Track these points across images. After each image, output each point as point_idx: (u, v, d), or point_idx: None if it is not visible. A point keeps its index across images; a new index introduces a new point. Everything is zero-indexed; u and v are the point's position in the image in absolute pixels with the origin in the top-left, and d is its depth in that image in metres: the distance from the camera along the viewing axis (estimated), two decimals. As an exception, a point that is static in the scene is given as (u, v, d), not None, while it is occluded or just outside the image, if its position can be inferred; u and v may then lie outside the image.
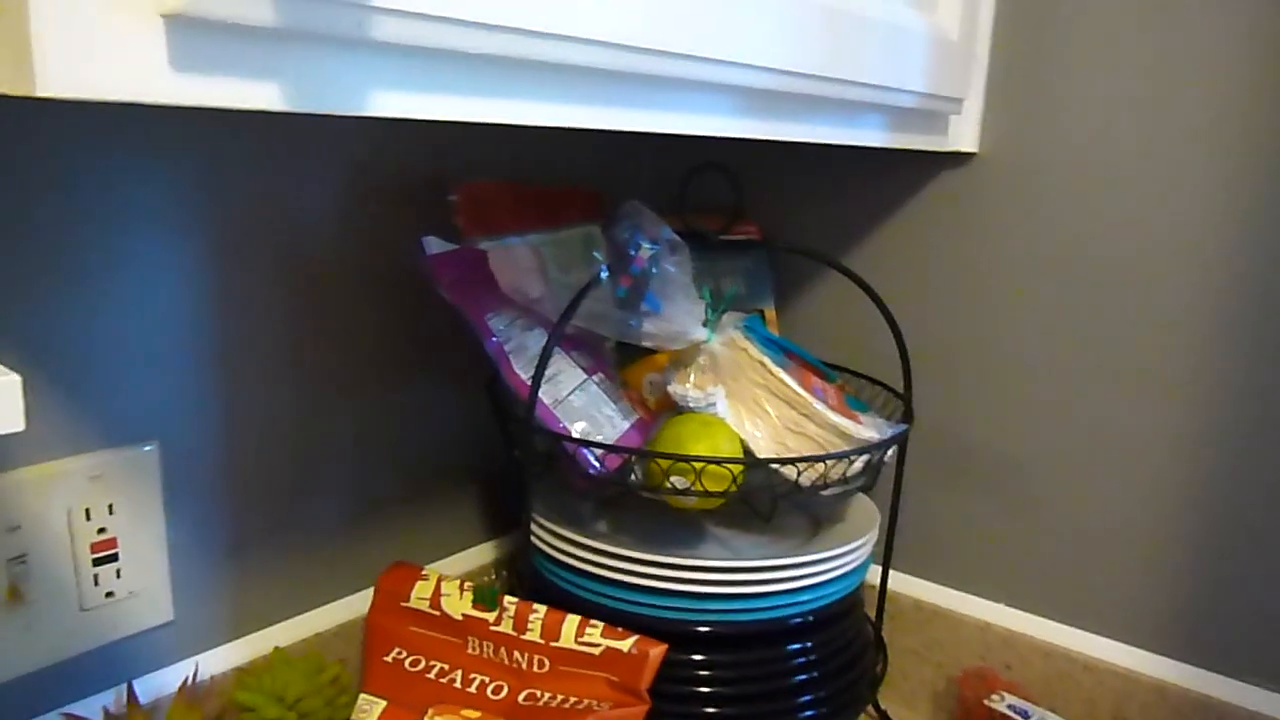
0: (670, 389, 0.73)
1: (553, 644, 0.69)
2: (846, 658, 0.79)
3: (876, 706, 0.91)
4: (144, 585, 0.69)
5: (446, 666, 0.71)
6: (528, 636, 0.70)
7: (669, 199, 0.74)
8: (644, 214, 0.71)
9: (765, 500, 0.70)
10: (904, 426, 0.76)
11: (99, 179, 0.63)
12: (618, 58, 0.47)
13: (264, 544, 0.77)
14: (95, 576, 0.67)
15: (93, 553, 0.66)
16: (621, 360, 0.86)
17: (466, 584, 0.73)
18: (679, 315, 0.70)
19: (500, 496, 0.97)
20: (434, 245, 0.71)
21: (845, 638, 0.79)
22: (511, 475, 0.95)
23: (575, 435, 0.70)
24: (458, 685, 0.70)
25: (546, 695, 0.68)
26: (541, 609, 0.70)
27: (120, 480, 0.67)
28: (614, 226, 0.73)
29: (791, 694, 0.75)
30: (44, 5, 0.29)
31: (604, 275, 0.69)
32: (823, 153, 0.95)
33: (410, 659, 0.72)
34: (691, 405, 0.72)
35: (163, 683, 0.71)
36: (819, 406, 0.71)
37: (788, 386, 0.71)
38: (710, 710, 0.73)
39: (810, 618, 0.75)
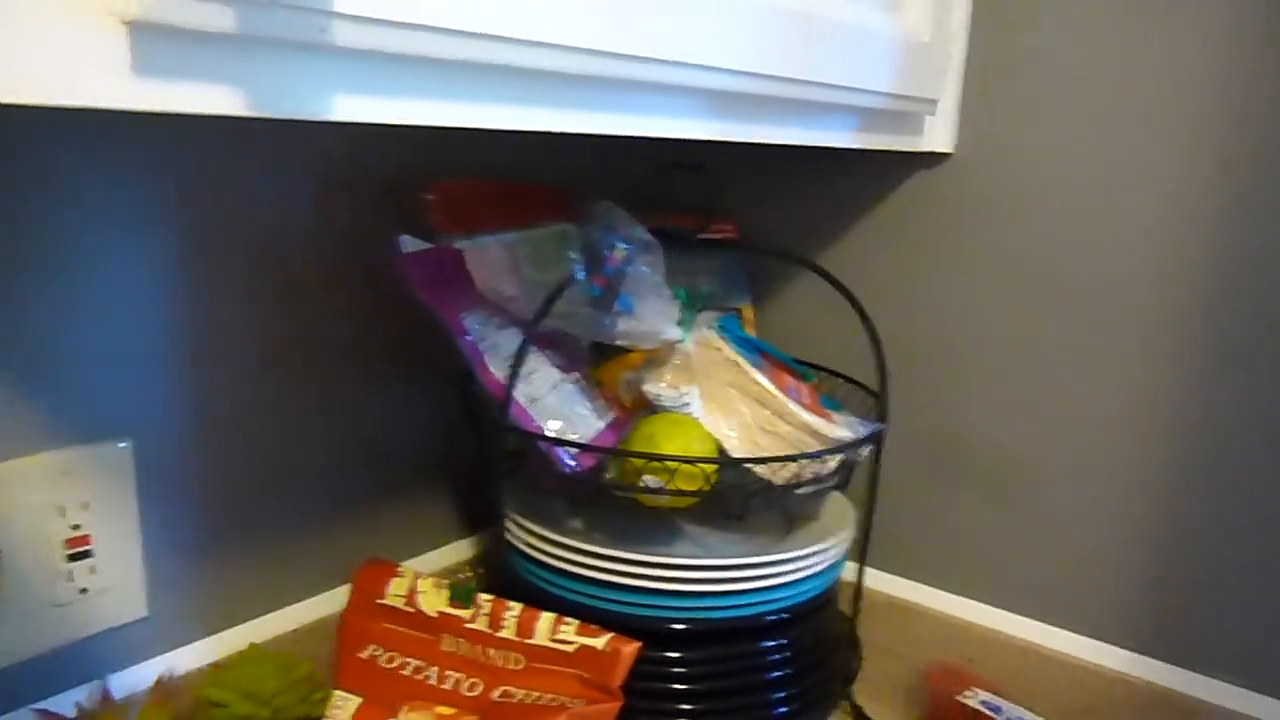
0: (644, 388, 0.73)
1: (527, 641, 0.70)
2: (820, 654, 0.79)
3: (852, 702, 0.92)
4: (118, 581, 0.70)
5: (421, 664, 0.71)
6: (502, 634, 0.70)
7: (643, 198, 0.75)
8: (617, 214, 0.71)
9: (738, 499, 0.71)
10: (877, 426, 0.77)
11: (72, 177, 0.63)
12: (579, 61, 0.47)
13: (238, 540, 0.78)
14: (69, 572, 0.67)
15: (66, 549, 0.66)
16: (597, 359, 0.86)
17: (442, 581, 0.73)
18: (652, 315, 0.70)
19: (475, 493, 0.98)
20: (408, 244, 0.71)
21: (819, 634, 0.80)
22: (484, 473, 0.96)
23: (550, 434, 0.71)
24: (432, 682, 0.70)
25: (521, 692, 0.69)
26: (516, 607, 0.71)
27: (94, 476, 0.67)
28: (588, 226, 0.73)
29: (766, 689, 0.76)
30: (3, 12, 0.29)
31: (579, 275, 0.69)
32: (798, 152, 0.95)
33: (385, 656, 0.72)
34: (666, 404, 0.72)
35: (137, 678, 0.71)
36: (792, 406, 0.72)
37: (761, 386, 0.72)
38: (685, 707, 0.74)
39: (784, 615, 0.76)
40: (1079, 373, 0.82)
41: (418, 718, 0.67)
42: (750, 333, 0.92)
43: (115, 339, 0.67)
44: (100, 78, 0.32)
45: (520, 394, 0.71)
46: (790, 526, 0.82)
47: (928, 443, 0.91)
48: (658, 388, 0.73)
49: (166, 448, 0.71)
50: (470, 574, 0.96)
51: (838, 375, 0.91)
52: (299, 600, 0.83)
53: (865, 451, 0.75)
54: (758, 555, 0.72)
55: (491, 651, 0.70)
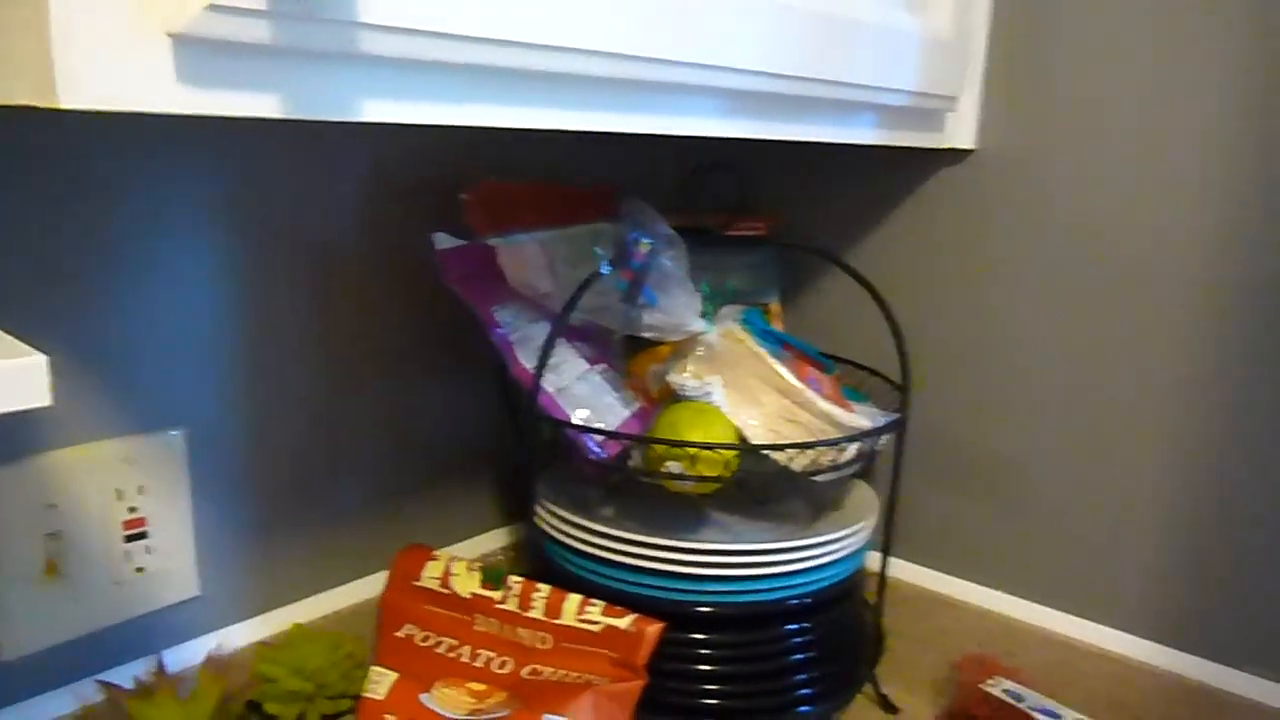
0: (669, 378, 0.76)
1: (555, 622, 0.72)
2: (843, 640, 0.81)
3: (878, 691, 0.93)
4: (172, 562, 0.74)
5: (455, 642, 0.75)
6: (531, 614, 0.73)
7: (678, 198, 0.77)
8: (643, 210, 0.74)
9: (758, 485, 0.73)
10: (895, 415, 0.78)
11: (135, 181, 0.67)
12: (607, 65, 0.50)
13: (285, 526, 0.81)
14: (126, 553, 0.71)
15: (124, 530, 0.71)
16: (628, 353, 0.89)
17: (475, 565, 0.76)
18: (675, 307, 0.72)
19: (513, 485, 1.01)
20: (443, 241, 0.74)
21: (843, 621, 0.82)
22: (520, 463, 0.99)
23: (576, 422, 0.73)
24: (465, 660, 0.73)
25: (548, 670, 0.71)
26: (545, 588, 0.73)
27: (150, 463, 0.71)
28: (616, 222, 0.76)
29: (789, 673, 0.78)
30: (64, 27, 0.33)
31: (605, 270, 0.72)
32: (826, 151, 0.97)
33: (421, 635, 0.75)
34: (689, 394, 0.75)
35: (190, 654, 0.75)
36: (811, 395, 0.74)
37: (782, 377, 0.74)
38: (710, 688, 0.76)
39: (808, 600, 0.78)
40: (1105, 364, 0.83)
41: (450, 693, 0.71)
42: (777, 327, 0.94)
43: (172, 335, 0.71)
44: (148, 86, 0.35)
45: (548, 384, 0.74)
46: (815, 515, 0.84)
47: (953, 436, 0.92)
48: (681, 378, 0.75)
49: (218, 437, 0.76)
50: (502, 558, 0.99)
51: (862, 368, 0.92)
52: (341, 584, 0.87)
53: (883, 440, 0.77)
54: (782, 541, 0.74)
55: (521, 631, 0.73)
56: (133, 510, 0.71)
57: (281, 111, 0.38)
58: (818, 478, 0.73)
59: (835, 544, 0.77)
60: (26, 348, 0.37)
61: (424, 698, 0.70)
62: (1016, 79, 0.84)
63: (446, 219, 0.82)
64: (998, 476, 0.90)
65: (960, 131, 0.86)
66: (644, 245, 0.71)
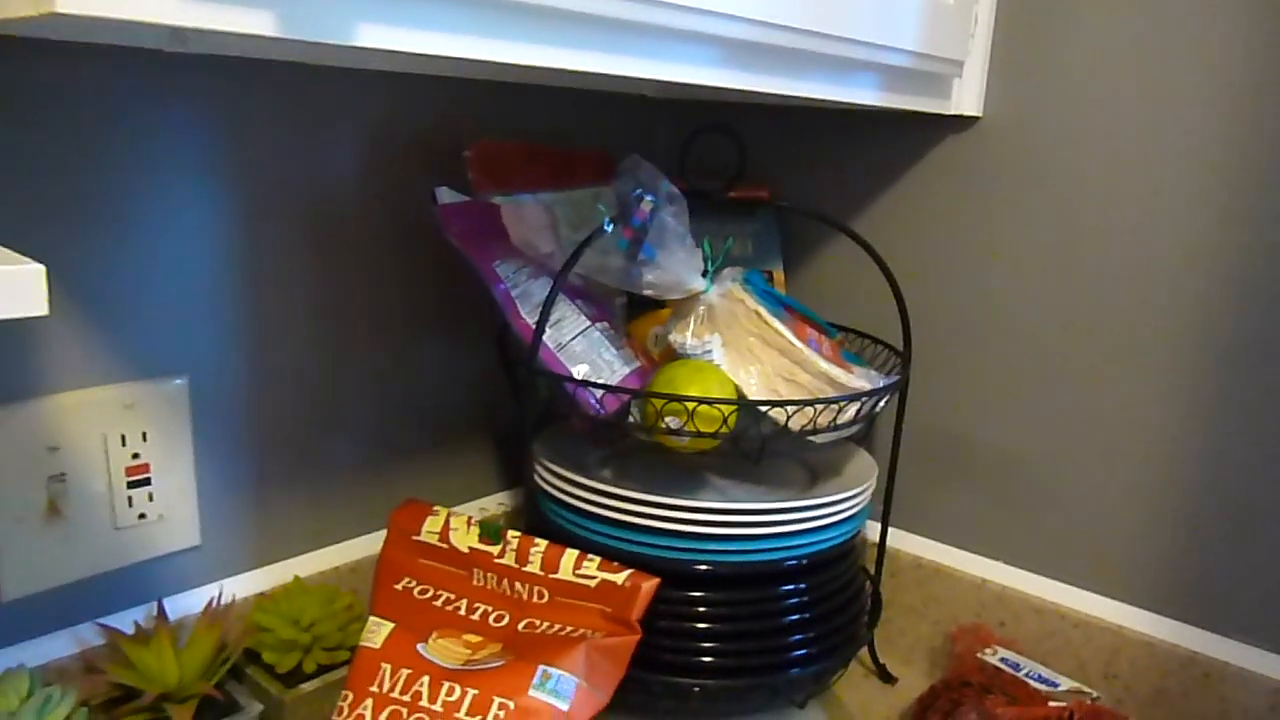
0: (670, 337, 0.76)
1: (551, 576, 0.73)
2: (838, 602, 0.81)
3: (876, 660, 0.94)
4: (174, 510, 0.74)
5: (452, 595, 0.75)
6: (528, 569, 0.74)
7: (675, 165, 0.77)
8: (643, 167, 0.74)
9: (755, 442, 0.73)
10: (895, 378, 0.78)
11: (137, 127, 0.68)
12: (600, 2, 0.50)
13: (286, 480, 0.82)
14: (129, 498, 0.72)
15: (127, 475, 0.71)
16: (631, 315, 0.90)
17: (473, 520, 0.77)
18: (675, 265, 0.73)
19: (513, 448, 1.01)
20: (445, 195, 0.75)
21: (838, 584, 0.82)
22: (518, 421, 0.99)
23: (576, 377, 0.74)
24: (462, 613, 0.74)
25: (544, 624, 0.72)
26: (542, 543, 0.74)
27: (153, 410, 0.72)
28: (616, 180, 0.76)
29: (784, 633, 0.78)
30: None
31: (608, 227, 0.72)
32: (829, 116, 0.97)
33: (419, 587, 0.76)
34: (689, 352, 0.75)
35: (189, 603, 0.76)
36: (811, 354, 0.74)
37: (781, 335, 0.74)
38: (707, 645, 0.76)
39: (804, 561, 0.78)
40: (1106, 337, 0.83)
41: (446, 644, 0.71)
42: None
43: (176, 283, 0.72)
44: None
45: (549, 339, 0.74)
46: (814, 480, 0.84)
47: (952, 404, 0.92)
48: (682, 336, 0.76)
49: (221, 388, 0.76)
50: (499, 514, 1.00)
51: (863, 335, 0.92)
52: (341, 540, 0.87)
53: (882, 403, 0.77)
54: (779, 502, 0.75)
55: (518, 585, 0.74)
56: (135, 456, 0.72)
57: (276, 29, 0.39)
58: (815, 438, 0.73)
59: (832, 507, 0.77)
60: (24, 259, 0.37)
61: (420, 648, 0.71)
62: (1024, 45, 0.84)
63: (445, 175, 0.83)
64: (995, 445, 0.90)
65: (966, 98, 0.85)
66: (646, 203, 0.71)
